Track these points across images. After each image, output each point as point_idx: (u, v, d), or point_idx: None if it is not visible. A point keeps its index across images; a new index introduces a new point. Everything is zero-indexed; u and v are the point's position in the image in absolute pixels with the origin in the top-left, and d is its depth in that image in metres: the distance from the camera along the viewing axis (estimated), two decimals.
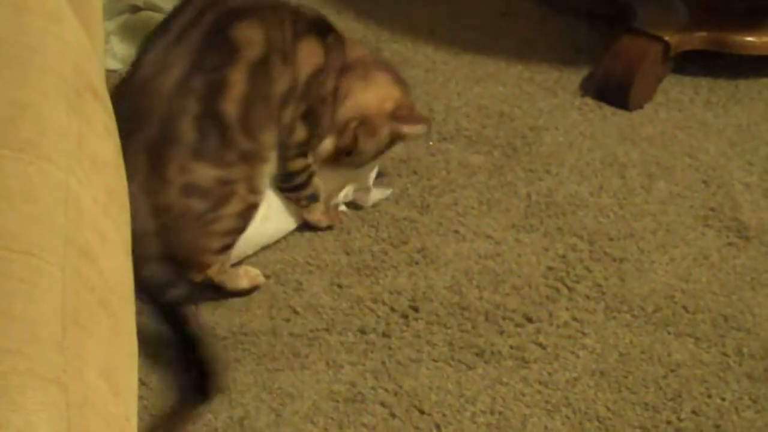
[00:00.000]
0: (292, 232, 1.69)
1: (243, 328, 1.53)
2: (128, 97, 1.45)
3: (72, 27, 0.95)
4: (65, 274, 0.73)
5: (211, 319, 1.53)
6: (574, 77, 2.08)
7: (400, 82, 1.70)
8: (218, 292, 1.57)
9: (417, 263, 1.65)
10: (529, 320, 1.56)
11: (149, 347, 1.45)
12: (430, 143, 1.87)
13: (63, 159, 0.80)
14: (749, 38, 2.07)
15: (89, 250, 0.77)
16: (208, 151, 1.46)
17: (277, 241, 1.67)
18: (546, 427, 1.42)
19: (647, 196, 1.79)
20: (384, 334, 1.53)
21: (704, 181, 1.83)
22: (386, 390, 1.46)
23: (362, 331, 1.53)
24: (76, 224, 0.77)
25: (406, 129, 1.67)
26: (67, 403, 0.67)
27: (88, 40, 0.99)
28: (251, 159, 1.51)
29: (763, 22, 2.14)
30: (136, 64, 1.52)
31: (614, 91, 2.02)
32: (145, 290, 1.36)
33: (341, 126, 1.64)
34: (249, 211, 1.52)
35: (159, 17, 2.06)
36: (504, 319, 1.56)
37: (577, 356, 1.51)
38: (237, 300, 1.57)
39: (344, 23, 2.21)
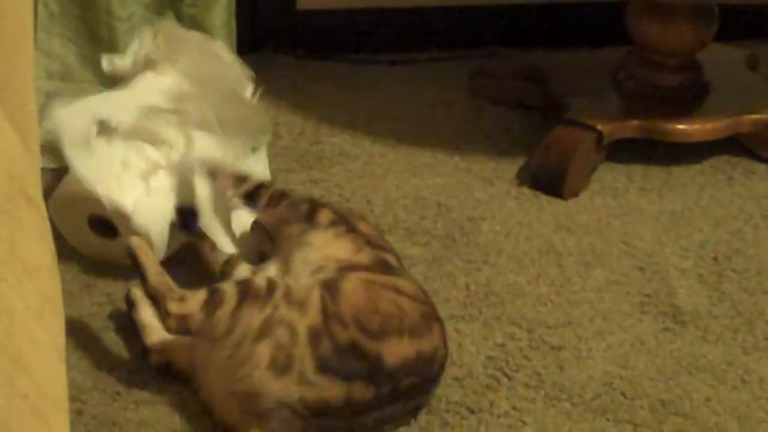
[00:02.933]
0: None
1: (184, 425, 1.52)
2: None
3: (4, 133, 0.96)
4: None
5: (151, 415, 1.52)
6: (509, 167, 2.12)
7: None
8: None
9: None
10: (471, 411, 1.57)
11: None
12: None
13: None
14: (680, 126, 2.12)
15: (21, 358, 0.77)
16: None
17: None
18: None
19: (584, 284, 1.82)
20: None
21: (640, 268, 1.86)
22: None
23: None
24: (7, 331, 0.77)
25: None
26: None
27: (21, 146, 1.00)
28: None
29: (693, 110, 2.19)
30: None
31: (549, 180, 2.05)
32: None
33: None
34: None
35: None
36: (447, 411, 1.56)
37: None
38: (176, 396, 1.56)
39: (283, 117, 2.24)
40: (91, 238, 1.78)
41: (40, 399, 0.78)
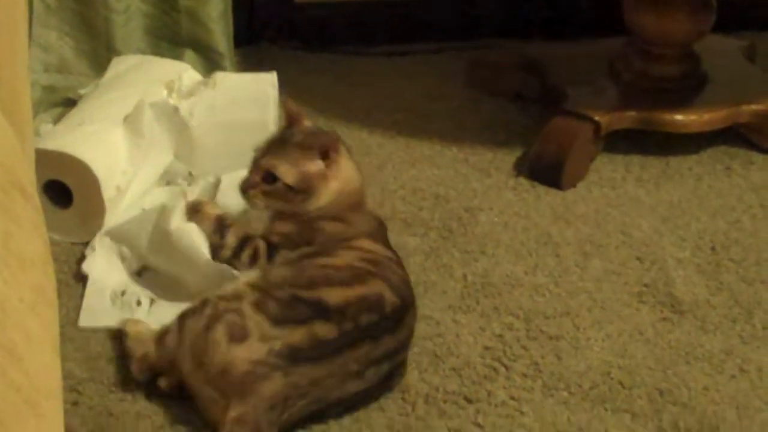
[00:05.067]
0: None
1: (180, 417, 1.52)
2: None
3: None
4: None
5: (148, 406, 1.52)
6: (507, 158, 2.12)
7: None
8: None
9: None
10: (469, 401, 1.57)
11: None
12: None
13: None
14: (678, 116, 2.12)
15: (14, 350, 0.77)
16: None
17: None
18: None
19: (582, 274, 1.82)
20: (323, 420, 1.52)
21: (638, 258, 1.86)
22: None
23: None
24: (0, 324, 0.77)
25: None
26: None
27: (15, 138, 1.00)
28: None
29: (691, 101, 2.19)
30: None
31: (547, 170, 2.05)
32: None
33: None
34: None
35: None
36: (444, 401, 1.56)
37: None
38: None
39: (279, 109, 2.23)
40: (45, 207, 1.78)
41: (33, 391, 0.78)
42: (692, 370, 1.63)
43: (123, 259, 1.75)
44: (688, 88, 2.22)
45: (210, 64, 2.20)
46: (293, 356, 1.44)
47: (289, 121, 1.70)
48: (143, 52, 2.18)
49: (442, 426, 1.52)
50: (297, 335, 1.46)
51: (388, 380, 1.55)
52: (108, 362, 1.59)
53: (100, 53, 2.15)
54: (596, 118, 2.07)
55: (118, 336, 1.61)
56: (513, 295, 1.76)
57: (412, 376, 1.60)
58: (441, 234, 1.90)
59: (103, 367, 1.58)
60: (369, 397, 1.53)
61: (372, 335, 1.50)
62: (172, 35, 2.20)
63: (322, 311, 1.48)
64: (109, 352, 1.60)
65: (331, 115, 2.23)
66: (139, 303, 1.69)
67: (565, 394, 1.58)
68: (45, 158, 1.71)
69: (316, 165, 1.62)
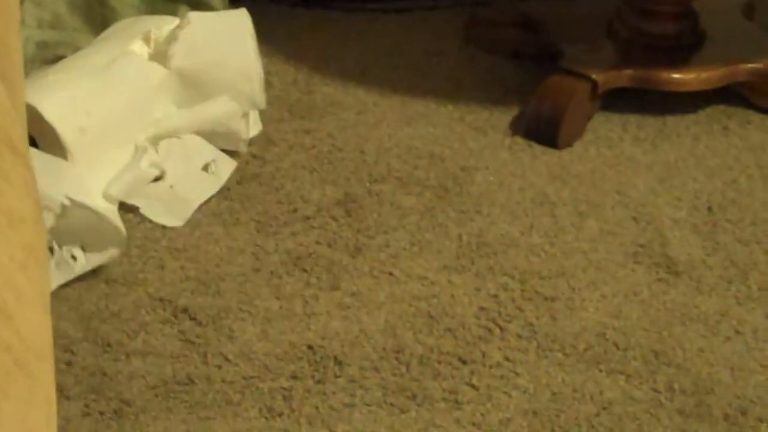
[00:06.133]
0: (222, 278, 1.68)
1: (175, 377, 1.52)
2: None
3: None
4: None
5: (142, 366, 1.52)
6: (503, 117, 2.10)
7: None
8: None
9: (349, 307, 1.65)
10: (463, 362, 1.56)
11: None
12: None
13: None
14: (676, 75, 2.10)
15: (4, 309, 0.76)
16: None
17: (208, 286, 1.66)
18: None
19: (578, 234, 1.81)
20: (317, 380, 1.52)
21: (634, 218, 1.85)
22: None
23: (295, 377, 1.53)
24: None
25: None
26: None
27: (6, 95, 0.99)
28: None
29: (689, 59, 2.17)
30: None
31: (543, 129, 2.03)
32: None
33: None
34: None
35: None
36: (439, 362, 1.56)
37: (510, 396, 1.52)
38: (168, 347, 1.56)
39: (275, 66, 2.22)
40: None
41: (24, 351, 0.77)
42: (687, 332, 1.63)
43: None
44: (686, 46, 2.20)
45: None
46: None
47: None
48: (138, 9, 2.15)
49: (436, 387, 1.52)
50: None
51: None
52: (102, 322, 1.58)
53: (93, 9, 2.13)
54: (593, 76, 2.05)
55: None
56: (508, 255, 1.76)
57: (406, 336, 1.60)
58: (436, 193, 1.88)
59: (97, 327, 1.57)
60: None
61: None
62: None
63: None
64: (104, 312, 1.60)
65: (326, 72, 2.22)
66: (74, 258, 1.66)
67: (559, 355, 1.58)
68: None
69: None
